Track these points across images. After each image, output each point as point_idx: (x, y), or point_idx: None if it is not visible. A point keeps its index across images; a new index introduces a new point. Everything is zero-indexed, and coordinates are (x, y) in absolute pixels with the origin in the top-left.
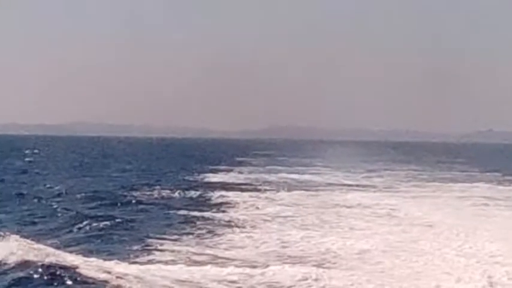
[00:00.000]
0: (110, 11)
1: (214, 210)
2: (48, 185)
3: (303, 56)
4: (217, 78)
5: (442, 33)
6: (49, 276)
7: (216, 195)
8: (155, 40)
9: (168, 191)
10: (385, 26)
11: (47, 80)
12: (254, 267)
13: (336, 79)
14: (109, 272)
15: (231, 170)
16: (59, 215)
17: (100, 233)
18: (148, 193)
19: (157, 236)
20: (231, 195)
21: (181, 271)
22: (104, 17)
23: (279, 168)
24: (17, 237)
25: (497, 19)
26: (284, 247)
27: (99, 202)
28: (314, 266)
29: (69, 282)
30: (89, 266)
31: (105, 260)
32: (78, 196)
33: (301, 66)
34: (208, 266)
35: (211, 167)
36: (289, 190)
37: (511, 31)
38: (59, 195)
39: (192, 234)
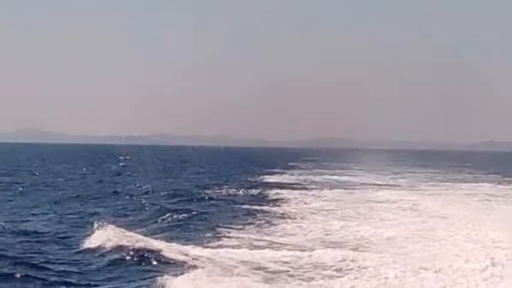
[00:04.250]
0: (181, 42)
1: (271, 204)
2: (137, 185)
3: (342, 80)
4: (274, 99)
5: (451, 62)
6: (139, 258)
7: (272, 193)
8: (224, 68)
9: (234, 190)
10: (408, 57)
11: (135, 100)
12: (303, 250)
13: (367, 100)
14: (186, 255)
15: (284, 173)
16: (146, 208)
17: (179, 223)
18: (218, 191)
19: (225, 225)
20: (284, 193)
21: (244, 253)
22: (178, 45)
23: (323, 171)
24: (113, 226)
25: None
26: (327, 234)
27: (178, 198)
28: (351, 249)
29: (154, 263)
30: (171, 249)
31: (183, 244)
32: (162, 194)
33: (340, 88)
34: (266, 250)
35: (268, 170)
36: (331, 189)
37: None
38: (146, 193)
39: (253, 224)
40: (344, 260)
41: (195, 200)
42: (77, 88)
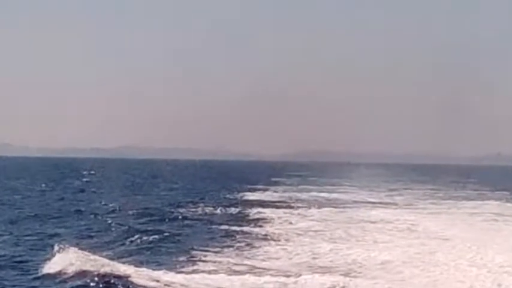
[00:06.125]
0: (157, 48)
1: (252, 225)
2: (103, 203)
3: (329, 88)
4: (255, 108)
5: (454, 69)
6: (104, 285)
7: (253, 212)
8: (198, 73)
9: (211, 208)
10: (405, 64)
11: (101, 109)
12: (288, 276)
13: (360, 109)
14: (158, 281)
15: (267, 189)
16: (113, 229)
17: (150, 245)
18: (193, 210)
19: (201, 248)
20: (267, 212)
21: (222, 280)
22: (153, 52)
23: (310, 187)
24: (76, 249)
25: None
26: (315, 258)
27: (148, 218)
28: (341, 275)
29: None
30: (140, 275)
31: (154, 269)
32: (130, 212)
33: (329, 97)
34: (247, 275)
35: (249, 186)
36: (319, 207)
37: None
38: (113, 211)
39: (232, 246)
40: (334, 287)
41: (167, 219)
42: (40, 95)
